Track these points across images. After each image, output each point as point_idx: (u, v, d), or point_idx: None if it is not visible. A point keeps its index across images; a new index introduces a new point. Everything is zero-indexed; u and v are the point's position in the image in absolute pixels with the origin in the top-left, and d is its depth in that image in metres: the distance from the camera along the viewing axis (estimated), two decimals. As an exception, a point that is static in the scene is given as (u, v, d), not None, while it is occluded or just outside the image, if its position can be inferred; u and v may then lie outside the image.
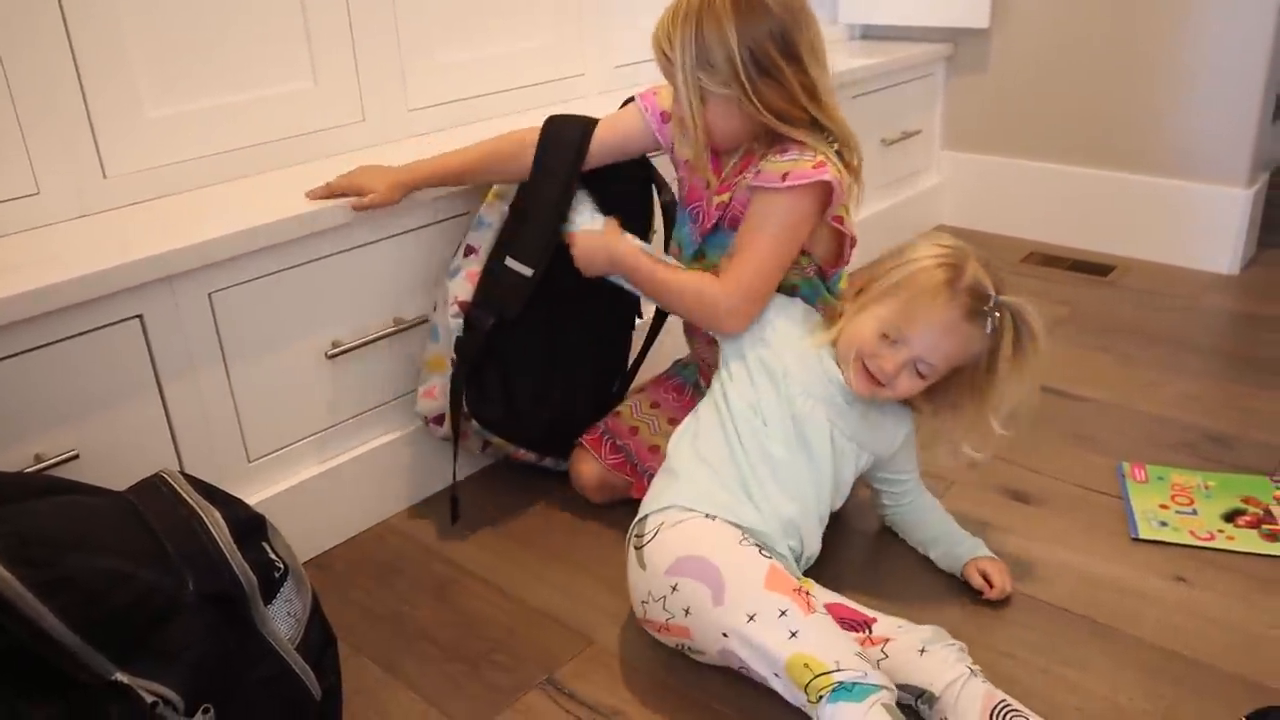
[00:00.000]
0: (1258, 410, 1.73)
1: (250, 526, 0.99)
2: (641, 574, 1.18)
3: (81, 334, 1.18)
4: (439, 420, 1.48)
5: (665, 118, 1.44)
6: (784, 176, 1.27)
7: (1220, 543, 1.39)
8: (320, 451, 1.46)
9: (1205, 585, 1.32)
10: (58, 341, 1.16)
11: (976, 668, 1.09)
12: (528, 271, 1.41)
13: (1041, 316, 1.19)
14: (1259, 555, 1.36)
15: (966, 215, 2.72)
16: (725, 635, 1.09)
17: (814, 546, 1.28)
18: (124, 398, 1.23)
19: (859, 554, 1.42)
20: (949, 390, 1.25)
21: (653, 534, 1.19)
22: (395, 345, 1.50)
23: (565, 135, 1.44)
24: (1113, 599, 1.30)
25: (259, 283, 1.33)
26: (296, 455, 1.43)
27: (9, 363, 1.13)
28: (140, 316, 1.22)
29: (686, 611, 1.12)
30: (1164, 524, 1.43)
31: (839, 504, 1.31)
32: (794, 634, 1.04)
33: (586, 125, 1.45)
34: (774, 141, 1.31)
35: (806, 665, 1.01)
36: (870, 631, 1.15)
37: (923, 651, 1.10)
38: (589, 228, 1.41)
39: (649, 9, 2.11)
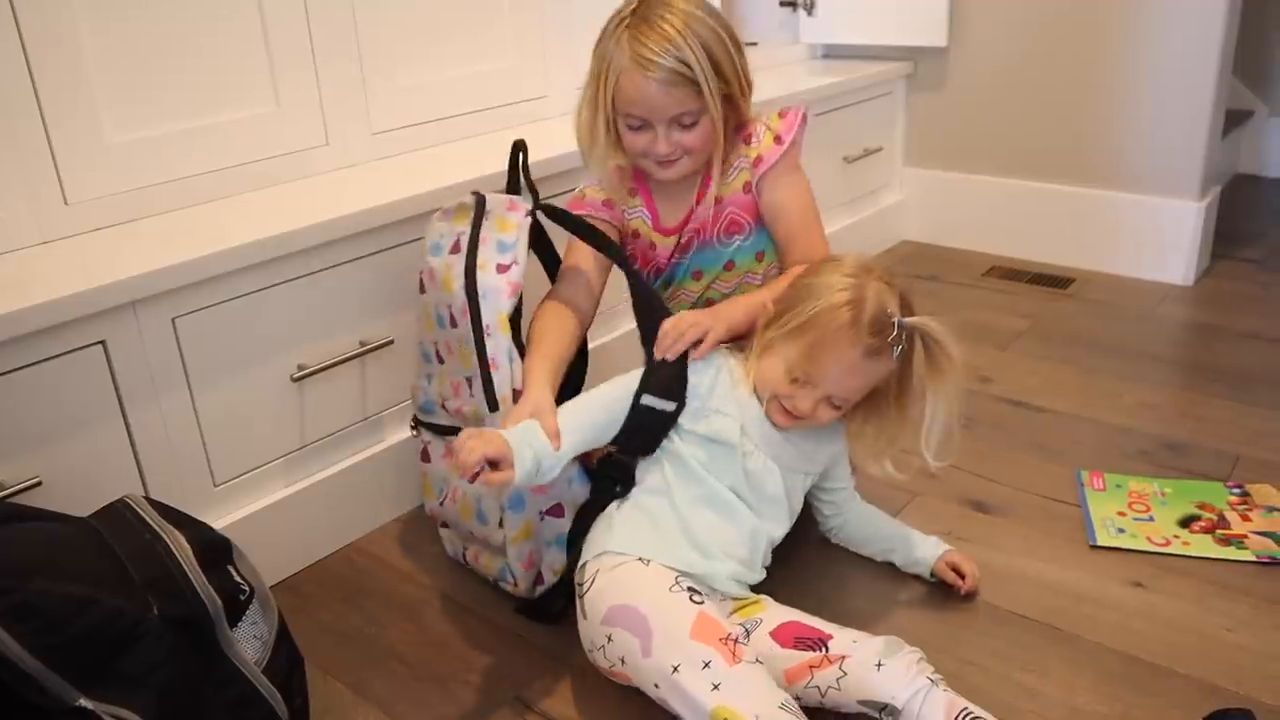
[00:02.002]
0: (1212, 418, 1.76)
1: (215, 550, 1.00)
2: (584, 623, 1.19)
3: (44, 360, 1.18)
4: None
5: (610, 205, 1.44)
6: (776, 140, 1.39)
7: (1176, 548, 1.41)
8: (287, 474, 1.46)
9: (1162, 590, 1.35)
10: (20, 369, 1.16)
11: (936, 676, 1.10)
12: (670, 406, 1.26)
13: (948, 328, 1.20)
14: (1213, 560, 1.39)
15: (928, 231, 2.76)
16: (656, 685, 1.08)
17: (767, 559, 1.30)
18: (87, 424, 1.23)
19: (817, 568, 1.43)
20: (874, 404, 1.26)
21: (590, 581, 1.19)
22: (361, 367, 1.51)
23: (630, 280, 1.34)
24: (1072, 605, 1.32)
25: (223, 307, 1.33)
26: (263, 479, 1.43)
27: (-30, 390, 1.13)
28: (103, 342, 1.23)
29: (622, 660, 1.12)
30: (1121, 531, 1.45)
31: (791, 523, 1.33)
32: (716, 686, 1.02)
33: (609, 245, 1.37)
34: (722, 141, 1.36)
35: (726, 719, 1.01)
36: (827, 649, 1.14)
37: (880, 665, 1.10)
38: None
39: (610, 31, 2.13)
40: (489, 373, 1.27)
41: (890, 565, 1.41)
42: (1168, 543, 1.43)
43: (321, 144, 1.66)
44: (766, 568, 1.30)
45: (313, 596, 1.43)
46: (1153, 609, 1.31)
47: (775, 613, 1.21)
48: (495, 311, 1.28)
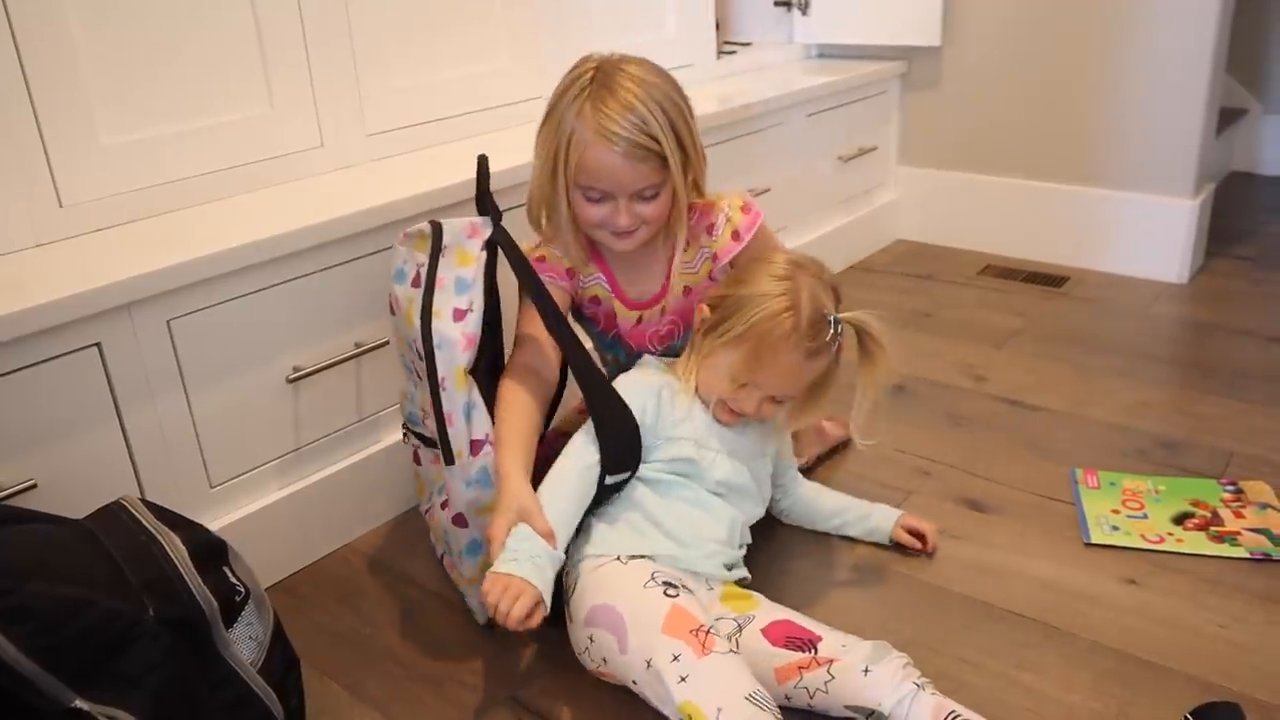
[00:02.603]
0: (1206, 415, 1.77)
1: (211, 551, 1.00)
2: (571, 627, 1.20)
3: (39, 363, 1.18)
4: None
5: (572, 274, 1.40)
6: (734, 237, 1.40)
7: (1170, 545, 1.42)
8: (282, 476, 1.46)
9: (1156, 587, 1.35)
10: (15, 371, 1.16)
11: (923, 680, 1.10)
12: (626, 475, 1.27)
13: (882, 321, 1.25)
14: (1207, 557, 1.40)
15: (923, 230, 2.77)
16: (634, 681, 1.10)
17: (746, 538, 1.34)
18: (83, 426, 1.23)
19: (808, 569, 1.44)
20: (812, 392, 1.30)
21: (574, 586, 1.20)
22: (356, 369, 1.51)
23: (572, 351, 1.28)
24: (1066, 603, 1.33)
25: (218, 309, 1.33)
26: (258, 480, 1.43)
27: (-35, 393, 1.13)
28: (99, 344, 1.23)
29: (605, 660, 1.14)
30: (1116, 528, 1.46)
31: (766, 502, 1.39)
32: (684, 679, 1.03)
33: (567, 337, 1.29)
34: (675, 215, 1.35)
35: (691, 715, 1.01)
36: (816, 651, 1.14)
37: (866, 671, 1.10)
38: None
39: (605, 32, 2.15)
40: (444, 428, 1.24)
41: (879, 566, 1.41)
42: (1162, 540, 1.43)
43: (316, 145, 1.66)
44: (747, 545, 1.33)
45: (308, 597, 1.43)
46: (1147, 606, 1.32)
47: (769, 610, 1.21)
48: (451, 364, 1.23)
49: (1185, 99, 2.26)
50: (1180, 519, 1.47)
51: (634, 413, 1.25)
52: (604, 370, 1.43)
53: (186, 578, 0.93)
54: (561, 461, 1.24)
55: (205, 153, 1.52)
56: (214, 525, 1.33)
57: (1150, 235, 2.39)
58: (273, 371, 1.41)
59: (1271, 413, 1.77)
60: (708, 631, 1.07)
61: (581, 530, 1.24)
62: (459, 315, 1.24)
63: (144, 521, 0.98)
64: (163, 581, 0.92)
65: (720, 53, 2.55)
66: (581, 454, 1.23)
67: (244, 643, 1.00)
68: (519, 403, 1.26)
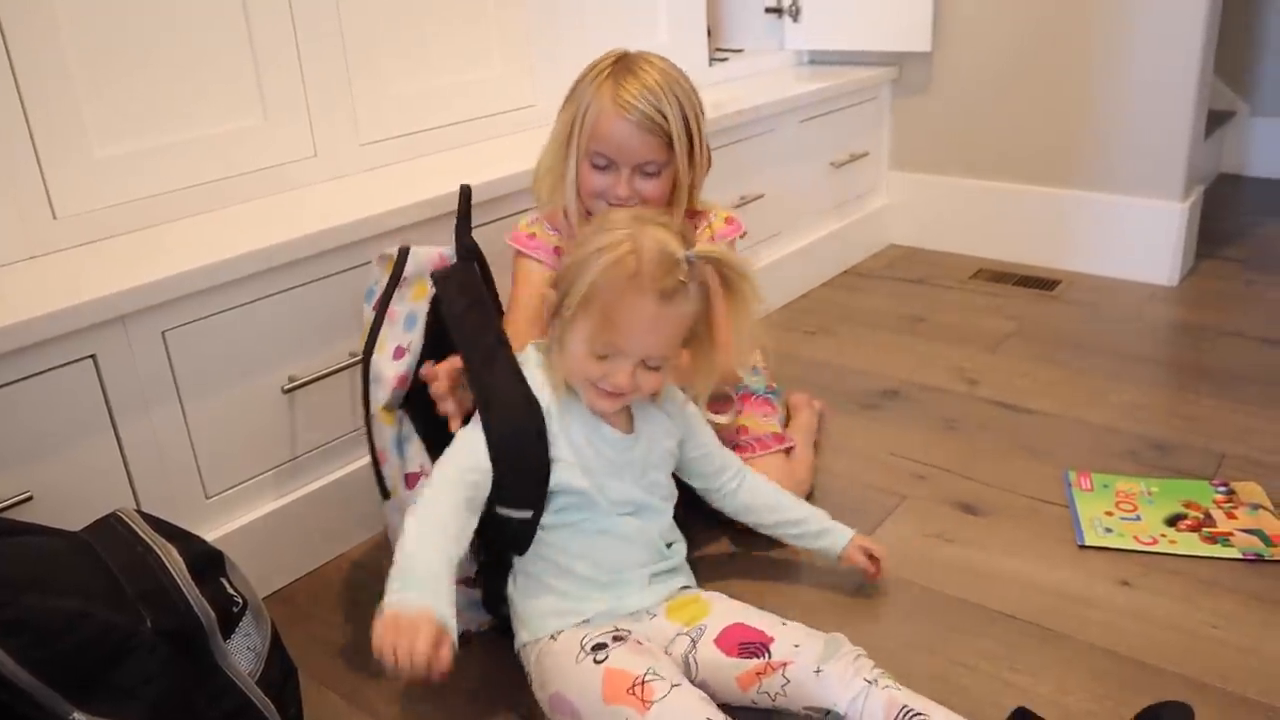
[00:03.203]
0: (1198, 417, 1.78)
1: (208, 562, 1.00)
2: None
3: (34, 375, 1.18)
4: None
5: (559, 252, 1.43)
6: (710, 240, 1.44)
7: (1163, 546, 1.43)
8: (279, 486, 1.46)
9: (1149, 588, 1.36)
10: (10, 383, 1.16)
11: (876, 674, 1.08)
12: (527, 514, 1.19)
13: (733, 251, 1.21)
14: (1200, 558, 1.40)
15: (915, 234, 2.78)
16: None
17: (673, 534, 1.28)
18: (78, 438, 1.23)
19: (799, 570, 1.44)
20: (692, 346, 1.19)
21: (529, 672, 1.19)
22: (351, 378, 1.51)
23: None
24: (1061, 605, 1.33)
25: (212, 320, 1.33)
26: (255, 490, 1.44)
27: (-39, 406, 1.13)
28: (93, 356, 1.23)
29: None
30: (1109, 530, 1.46)
31: (673, 495, 1.29)
32: None
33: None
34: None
35: None
36: (769, 655, 1.12)
37: (818, 671, 1.09)
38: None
39: (598, 40, 2.15)
40: (378, 465, 1.26)
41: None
42: (1155, 541, 1.44)
43: (309, 155, 1.67)
44: (678, 541, 1.29)
45: (306, 607, 1.43)
46: (1141, 608, 1.32)
47: (720, 614, 1.18)
48: (376, 403, 1.24)
49: (1174, 102, 2.27)
50: (1173, 520, 1.48)
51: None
52: None
53: (184, 589, 0.93)
54: (435, 491, 1.10)
55: (199, 164, 1.53)
56: (210, 536, 1.33)
57: (1140, 238, 2.40)
58: (268, 382, 1.41)
59: (1263, 414, 1.78)
60: (644, 682, 1.04)
61: (512, 612, 1.22)
62: (398, 353, 1.25)
63: (140, 533, 0.98)
64: (160, 593, 0.92)
65: (712, 60, 2.56)
66: (457, 484, 1.11)
67: (242, 653, 1.00)
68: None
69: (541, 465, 1.15)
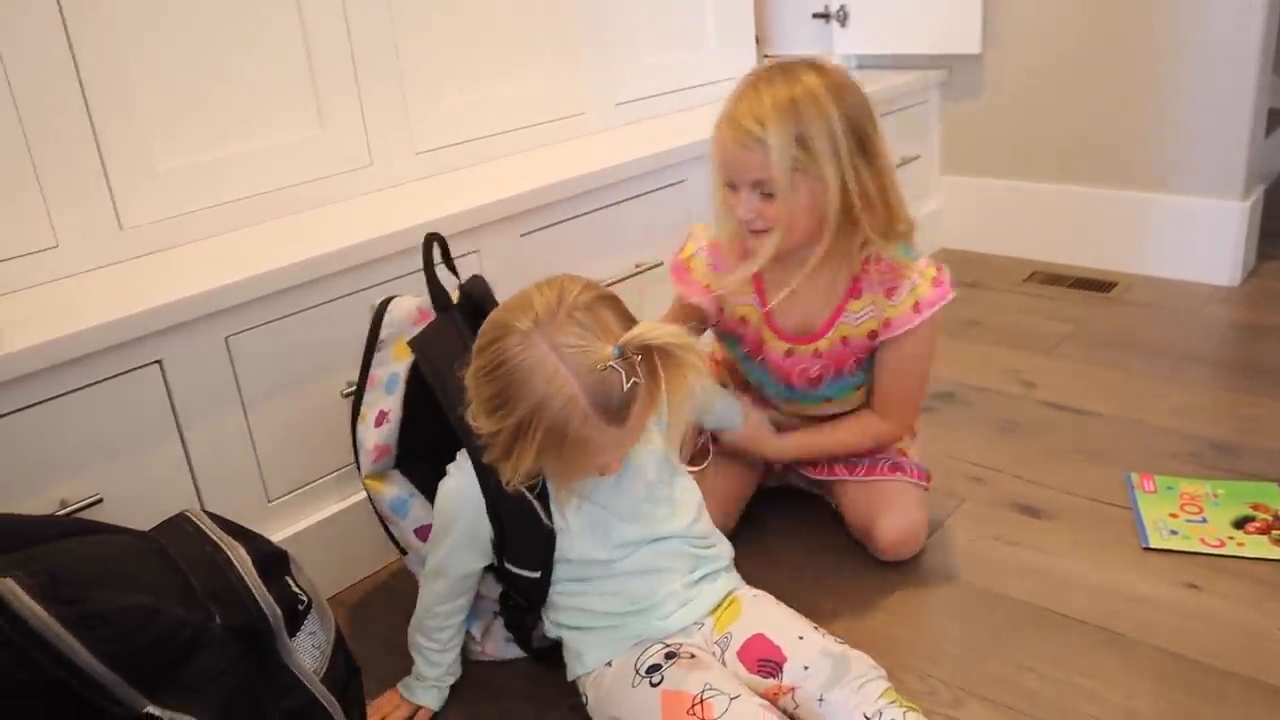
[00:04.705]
0: (1262, 419, 1.74)
1: (274, 561, 1.01)
2: None
3: (103, 381, 1.21)
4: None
5: (707, 289, 1.42)
6: (915, 308, 1.33)
7: (1230, 549, 1.40)
8: (339, 489, 1.48)
9: (1217, 591, 1.33)
10: (80, 389, 1.19)
11: (881, 704, 1.04)
12: (535, 574, 1.18)
13: (663, 327, 0.99)
14: (1269, 560, 1.37)
15: (968, 238, 2.75)
16: None
17: (704, 526, 1.23)
18: (145, 442, 1.26)
19: (868, 571, 1.43)
20: (670, 414, 1.09)
21: (585, 699, 1.18)
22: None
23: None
24: (1126, 608, 1.31)
25: (273, 326, 1.36)
26: (315, 494, 1.46)
27: (34, 410, 1.16)
28: (159, 362, 1.25)
29: None
30: (1174, 532, 1.44)
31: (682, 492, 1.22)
32: None
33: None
34: (842, 252, 1.32)
35: None
36: (781, 677, 1.10)
37: (821, 700, 1.07)
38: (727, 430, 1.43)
39: (648, 47, 2.17)
40: (386, 527, 1.32)
41: (938, 569, 1.40)
42: (1222, 544, 1.41)
43: (365, 165, 1.69)
44: (724, 533, 1.27)
45: (365, 610, 1.44)
46: (1208, 610, 1.30)
47: (748, 621, 1.16)
48: (362, 470, 1.29)
49: (1232, 100, 2.23)
50: (1240, 523, 1.45)
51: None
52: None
53: (251, 587, 0.95)
54: (432, 602, 1.21)
55: (258, 174, 1.56)
56: (272, 539, 1.34)
57: (1200, 238, 2.36)
58: (327, 386, 1.43)
59: (1331, 414, 1.74)
60: (702, 701, 1.04)
61: (566, 648, 1.20)
62: (380, 419, 1.27)
63: (209, 533, 0.99)
64: (228, 591, 0.94)
65: (760, 66, 2.56)
66: (456, 592, 1.20)
67: (307, 651, 1.01)
68: None
69: (546, 533, 1.13)
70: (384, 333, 1.27)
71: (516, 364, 0.98)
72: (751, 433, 1.44)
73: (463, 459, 1.14)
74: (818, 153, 1.23)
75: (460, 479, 1.14)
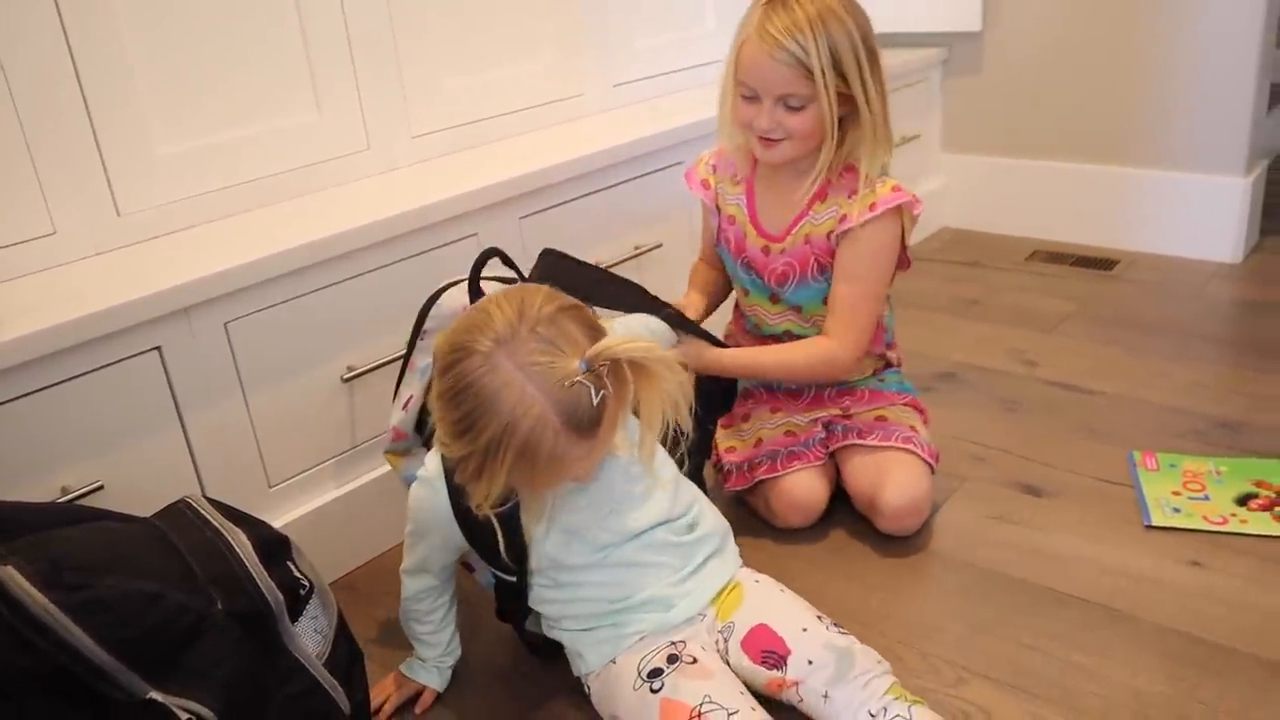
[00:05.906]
0: (1265, 395, 1.74)
1: (275, 546, 1.01)
2: None
3: (102, 368, 1.20)
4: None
5: (705, 185, 1.52)
6: (870, 206, 1.36)
7: (1234, 526, 1.40)
8: (340, 474, 1.48)
9: (1220, 569, 1.33)
10: (79, 376, 1.19)
11: (886, 700, 1.04)
12: (511, 578, 1.18)
13: (634, 340, 0.96)
14: (1272, 537, 1.37)
15: (969, 217, 2.74)
16: None
17: (699, 513, 1.20)
18: (146, 428, 1.26)
19: (867, 551, 1.43)
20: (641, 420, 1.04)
21: (589, 692, 1.17)
22: (409, 367, 1.52)
23: None
24: (1129, 586, 1.31)
25: (273, 311, 1.35)
26: (316, 479, 1.45)
27: (33, 398, 1.16)
28: (159, 348, 1.25)
29: None
30: (1177, 510, 1.44)
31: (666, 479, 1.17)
32: None
33: None
34: (822, 161, 1.36)
35: None
36: (785, 670, 1.09)
37: (826, 696, 1.07)
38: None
39: (646, 29, 2.16)
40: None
41: (938, 551, 1.40)
42: (1225, 521, 1.41)
43: (363, 149, 1.68)
44: (697, 517, 1.20)
45: (367, 594, 1.45)
46: (1212, 588, 1.30)
47: (750, 609, 1.15)
48: (383, 448, 1.33)
49: (1235, 75, 2.21)
50: (1244, 500, 1.45)
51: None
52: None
53: (253, 572, 0.94)
54: (411, 582, 1.21)
55: (256, 160, 1.55)
56: (273, 524, 1.34)
57: (1202, 215, 2.35)
58: (328, 371, 1.43)
59: (1334, 391, 1.73)
60: (700, 715, 1.02)
61: (567, 649, 1.19)
62: (406, 404, 1.27)
63: (210, 518, 0.99)
64: (230, 576, 0.94)
65: (759, 45, 2.54)
66: (433, 563, 1.20)
67: (309, 636, 1.01)
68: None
69: (517, 544, 1.12)
70: (429, 324, 1.26)
71: (480, 386, 0.94)
72: (686, 348, 1.35)
73: (432, 461, 1.12)
74: (846, 66, 1.29)
75: (432, 494, 1.12)
